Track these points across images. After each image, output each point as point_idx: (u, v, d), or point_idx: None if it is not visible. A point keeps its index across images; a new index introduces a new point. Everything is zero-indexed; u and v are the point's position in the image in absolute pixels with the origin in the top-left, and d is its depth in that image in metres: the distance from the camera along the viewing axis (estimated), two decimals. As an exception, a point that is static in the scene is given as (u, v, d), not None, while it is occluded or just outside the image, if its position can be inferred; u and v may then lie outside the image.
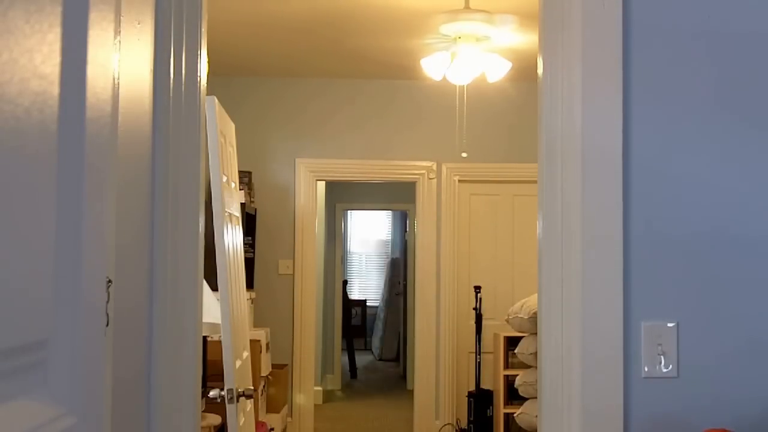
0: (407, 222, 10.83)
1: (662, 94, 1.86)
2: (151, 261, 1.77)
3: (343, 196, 9.93)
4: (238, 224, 3.56)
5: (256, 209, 6.71)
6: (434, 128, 6.80)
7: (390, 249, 12.27)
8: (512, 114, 6.68)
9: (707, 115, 1.86)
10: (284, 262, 6.83)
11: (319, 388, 8.46)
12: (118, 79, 1.05)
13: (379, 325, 11.92)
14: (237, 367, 2.96)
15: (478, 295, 6.37)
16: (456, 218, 6.94)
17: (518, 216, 6.93)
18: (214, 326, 3.07)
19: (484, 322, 6.46)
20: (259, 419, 5.11)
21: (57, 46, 0.85)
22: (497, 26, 4.95)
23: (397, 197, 9.50)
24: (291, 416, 6.73)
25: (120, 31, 1.05)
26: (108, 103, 0.98)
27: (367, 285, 13.12)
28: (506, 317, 5.43)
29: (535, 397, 4.91)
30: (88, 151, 0.91)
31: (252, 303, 6.01)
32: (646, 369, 1.81)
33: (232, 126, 3.60)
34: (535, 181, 2.01)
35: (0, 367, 0.74)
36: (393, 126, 6.88)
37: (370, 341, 12.45)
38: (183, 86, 1.83)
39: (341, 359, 10.07)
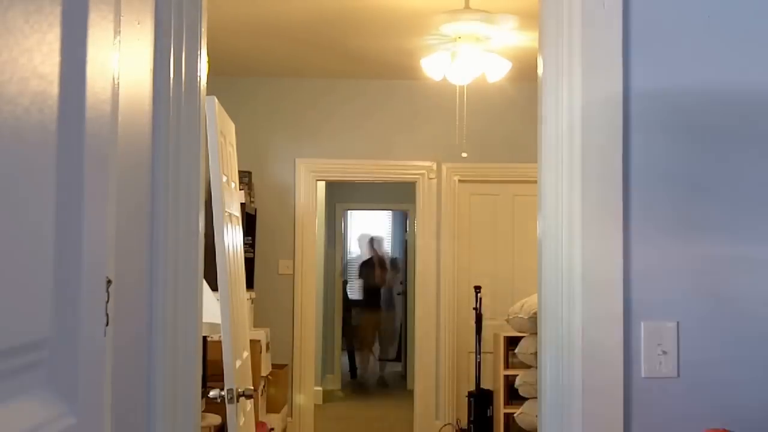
0: (407, 222, 10.82)
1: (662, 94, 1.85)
2: (151, 261, 1.77)
3: (343, 196, 9.92)
4: (238, 224, 3.56)
5: (256, 209, 6.71)
6: (434, 128, 6.79)
7: (390, 249, 12.25)
8: (512, 114, 6.67)
9: (707, 115, 1.86)
10: (284, 262, 6.83)
11: (319, 388, 8.45)
12: (118, 79, 1.05)
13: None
14: (237, 367, 2.96)
15: (478, 295, 6.36)
16: (456, 218, 6.94)
17: (518, 216, 6.93)
18: (214, 326, 3.07)
19: (484, 322, 6.45)
20: (259, 419, 5.11)
21: (57, 46, 0.85)
22: (497, 26, 4.94)
23: (397, 197, 9.49)
24: (291, 416, 6.73)
25: (120, 31, 1.05)
26: (108, 103, 0.98)
27: (367, 285, 13.07)
28: (506, 317, 5.43)
29: (535, 397, 4.91)
30: (88, 151, 0.91)
31: (252, 303, 6.01)
32: (646, 369, 1.81)
33: (232, 126, 3.59)
34: (535, 181, 2.01)
35: (0, 367, 0.74)
36: (393, 126, 6.87)
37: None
38: (183, 86, 1.83)
39: (341, 359, 10.07)
